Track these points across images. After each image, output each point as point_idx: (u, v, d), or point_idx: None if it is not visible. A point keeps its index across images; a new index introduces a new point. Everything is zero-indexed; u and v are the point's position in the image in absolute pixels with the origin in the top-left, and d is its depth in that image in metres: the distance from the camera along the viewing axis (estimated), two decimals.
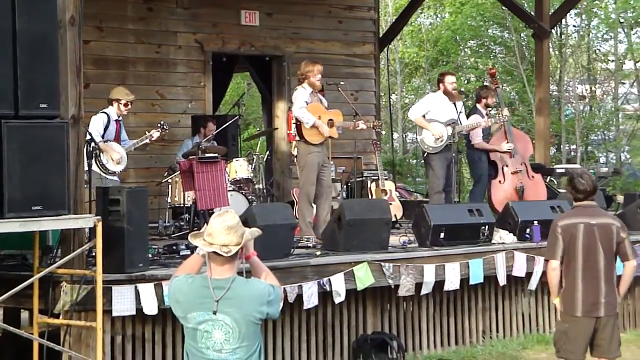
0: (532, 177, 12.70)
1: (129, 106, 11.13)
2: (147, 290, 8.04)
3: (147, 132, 11.35)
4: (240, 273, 4.87)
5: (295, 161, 11.84)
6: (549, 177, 14.10)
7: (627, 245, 7.36)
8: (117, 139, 10.98)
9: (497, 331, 10.86)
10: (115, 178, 10.85)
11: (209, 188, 11.32)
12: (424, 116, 11.97)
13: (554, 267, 7.33)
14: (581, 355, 7.33)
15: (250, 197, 12.08)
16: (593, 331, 7.29)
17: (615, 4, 24.49)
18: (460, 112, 12.00)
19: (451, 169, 11.93)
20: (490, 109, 12.80)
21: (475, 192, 12.95)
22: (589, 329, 7.27)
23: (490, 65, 26.83)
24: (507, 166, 12.59)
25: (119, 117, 11.07)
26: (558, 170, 14.39)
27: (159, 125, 11.39)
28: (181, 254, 9.26)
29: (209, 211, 11.21)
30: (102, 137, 10.71)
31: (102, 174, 10.56)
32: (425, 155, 11.95)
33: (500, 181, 12.63)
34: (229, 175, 12.08)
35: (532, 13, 14.66)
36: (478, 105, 12.81)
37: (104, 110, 10.94)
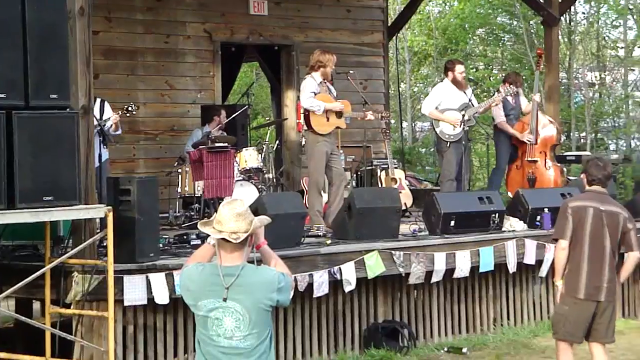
0: (549, 168, 12.61)
1: None
2: (158, 280, 8.07)
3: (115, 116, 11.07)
4: (251, 262, 4.89)
5: (304, 151, 11.86)
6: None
7: (632, 236, 7.43)
8: None
9: (508, 319, 10.87)
10: None
11: (217, 177, 11.34)
12: (436, 108, 11.93)
13: (563, 246, 7.40)
14: (580, 337, 7.42)
15: (260, 186, 12.09)
16: (592, 315, 7.36)
17: None
18: (470, 99, 11.97)
19: (465, 155, 11.92)
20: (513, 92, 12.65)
21: (493, 175, 13.05)
22: (590, 312, 7.35)
23: (499, 52, 26.77)
24: (524, 152, 12.58)
25: None
26: (568, 158, 14.35)
27: (124, 106, 11.04)
28: (192, 243, 9.28)
29: (219, 200, 11.23)
30: None
31: None
32: (447, 145, 11.82)
33: (517, 166, 12.67)
34: (238, 165, 12.08)
35: (541, 0, 14.61)
36: (501, 87, 12.79)
37: None
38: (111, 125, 10.83)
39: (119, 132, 11.14)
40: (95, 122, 10.66)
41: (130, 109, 11.04)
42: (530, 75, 24.34)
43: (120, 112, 10.92)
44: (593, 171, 7.45)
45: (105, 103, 11.00)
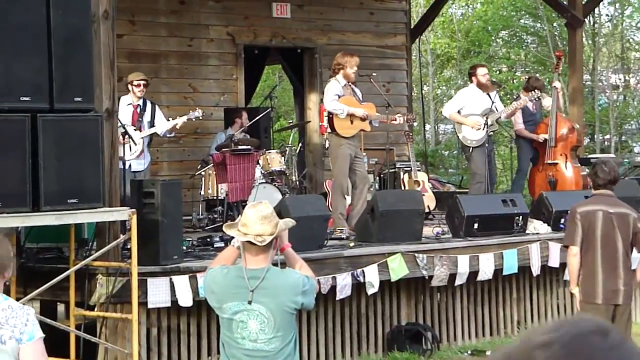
0: (570, 170, 12.56)
1: (141, 87, 10.94)
2: (181, 282, 8.09)
3: (170, 119, 11.24)
4: (275, 264, 4.89)
5: (327, 153, 11.86)
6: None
7: None
8: (134, 124, 10.87)
9: (532, 321, 10.83)
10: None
11: (240, 180, 11.36)
12: (459, 112, 11.92)
13: (574, 252, 7.36)
14: None
15: (283, 189, 12.10)
16: (611, 319, 7.29)
17: None
18: (493, 102, 11.94)
19: (490, 160, 11.92)
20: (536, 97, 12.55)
21: (515, 179, 13.04)
22: (608, 316, 7.27)
23: (522, 55, 26.68)
24: (545, 155, 12.56)
25: (137, 101, 10.96)
26: (592, 160, 14.27)
27: (190, 112, 11.36)
28: (215, 246, 9.30)
29: (242, 203, 11.24)
30: None
31: None
32: (470, 150, 11.81)
33: (538, 169, 12.64)
34: (261, 168, 12.10)
35: (565, 2, 14.55)
36: (522, 93, 12.75)
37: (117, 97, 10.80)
38: (167, 130, 11.09)
39: (173, 134, 11.41)
40: (153, 130, 10.83)
41: (197, 114, 11.29)
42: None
43: (187, 117, 11.17)
44: (599, 175, 7.38)
45: (157, 107, 11.18)
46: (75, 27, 7.43)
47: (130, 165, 10.60)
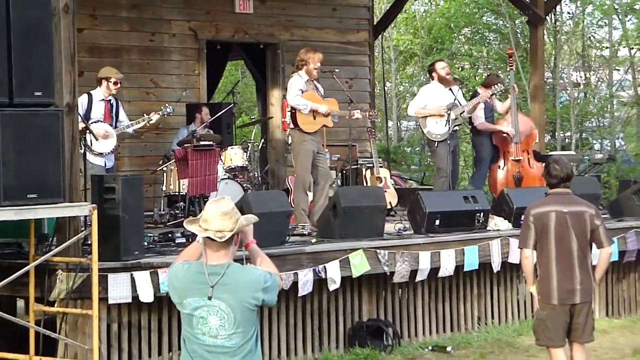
0: (533, 166, 12.65)
1: (119, 85, 10.97)
2: (142, 278, 8.06)
3: (145, 115, 11.32)
4: (240, 260, 4.88)
5: (290, 149, 11.86)
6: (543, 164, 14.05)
7: (601, 232, 7.32)
8: (107, 120, 10.82)
9: (493, 317, 10.89)
10: (100, 162, 10.53)
11: (201, 175, 11.33)
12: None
13: (526, 255, 7.34)
14: (561, 341, 7.35)
15: (245, 185, 12.08)
16: (570, 317, 7.31)
17: None
18: (456, 97, 11.96)
19: (454, 156, 11.97)
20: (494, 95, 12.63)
21: (475, 176, 13.04)
22: (566, 315, 7.29)
23: (484, 52, 26.80)
24: (508, 152, 12.60)
25: (108, 97, 10.91)
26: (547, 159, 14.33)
27: (162, 108, 11.41)
28: (176, 241, 9.28)
29: (204, 199, 11.22)
30: (87, 118, 10.28)
31: (88, 158, 9.95)
32: (435, 144, 11.85)
33: (500, 166, 12.67)
34: (223, 164, 12.08)
35: (527, 0, 14.64)
36: (480, 89, 12.74)
37: (87, 92, 10.73)
38: (138, 127, 11.22)
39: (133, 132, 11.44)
40: (121, 127, 10.90)
41: (169, 110, 11.44)
42: (516, 75, 24.36)
43: (161, 113, 11.33)
44: (552, 173, 7.34)
45: (120, 105, 11.16)
46: (35, 21, 7.38)
47: (105, 163, 10.61)
